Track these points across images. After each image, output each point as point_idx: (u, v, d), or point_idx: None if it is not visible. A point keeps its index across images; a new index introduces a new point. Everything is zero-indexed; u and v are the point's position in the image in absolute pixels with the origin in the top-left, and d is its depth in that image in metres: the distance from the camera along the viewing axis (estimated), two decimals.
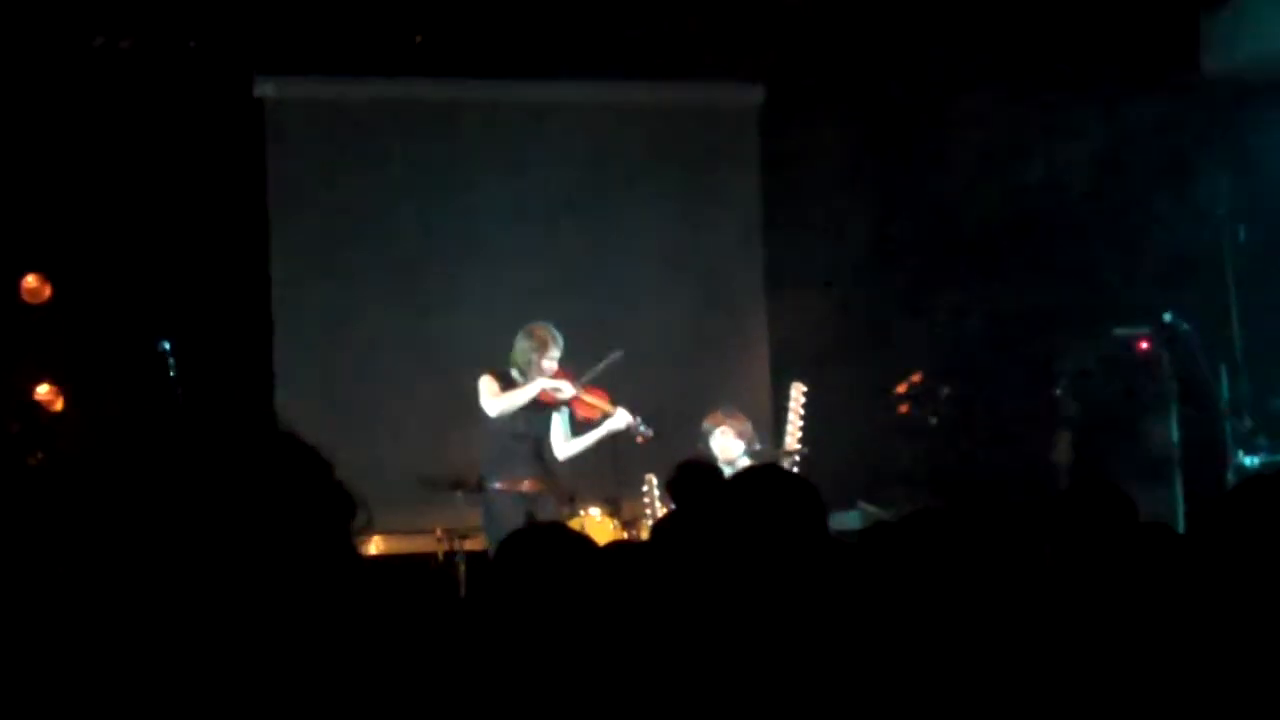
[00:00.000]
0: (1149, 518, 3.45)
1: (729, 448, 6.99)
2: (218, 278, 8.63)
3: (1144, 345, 8.11)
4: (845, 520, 8.35)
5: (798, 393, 6.98)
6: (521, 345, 7.19)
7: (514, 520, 6.87)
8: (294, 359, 8.97)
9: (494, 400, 7.14)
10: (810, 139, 9.00)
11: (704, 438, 7.03)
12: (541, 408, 7.21)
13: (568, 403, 7.22)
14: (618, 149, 9.23)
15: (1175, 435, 7.89)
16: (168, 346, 7.14)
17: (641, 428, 7.22)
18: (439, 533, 7.78)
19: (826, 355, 8.69)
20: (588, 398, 7.24)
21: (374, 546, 7.93)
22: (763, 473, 2.90)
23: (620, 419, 7.23)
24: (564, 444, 7.36)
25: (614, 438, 7.29)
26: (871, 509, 7.90)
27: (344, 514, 1.66)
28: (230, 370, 8.35)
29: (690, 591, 2.52)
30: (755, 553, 2.55)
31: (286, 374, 8.92)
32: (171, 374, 6.95)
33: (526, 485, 7.15)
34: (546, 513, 7.11)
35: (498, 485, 7.13)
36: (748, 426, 7.06)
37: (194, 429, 1.62)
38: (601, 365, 7.18)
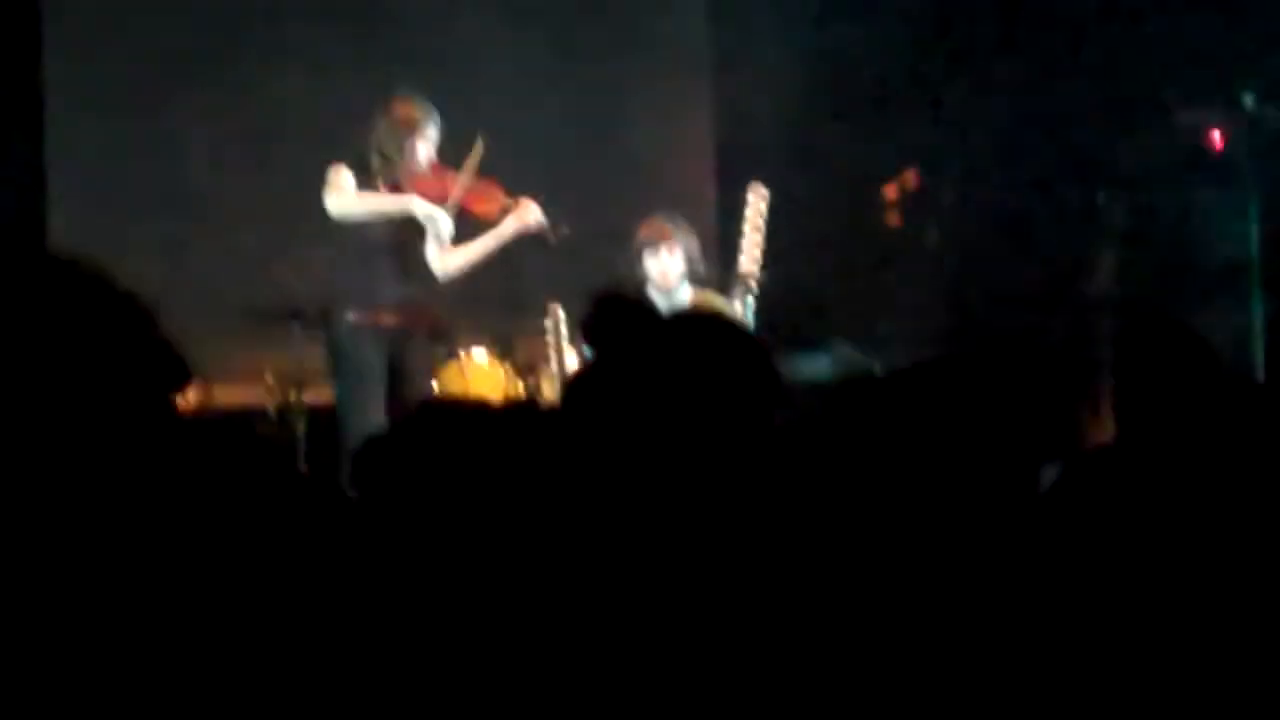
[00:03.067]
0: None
1: (670, 270, 7.01)
2: None
3: (1216, 136, 8.19)
4: (814, 365, 8.47)
5: (757, 199, 6.95)
6: (382, 126, 7.10)
7: (371, 365, 6.88)
8: (68, 145, 8.87)
9: (339, 198, 7.01)
10: None
11: (636, 255, 7.03)
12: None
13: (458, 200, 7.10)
14: None
15: (1254, 246, 7.99)
16: None
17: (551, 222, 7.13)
18: (269, 379, 7.81)
19: (794, 146, 8.68)
20: (480, 188, 7.15)
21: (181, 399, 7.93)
22: (709, 326, 2.84)
23: (530, 212, 7.15)
24: (447, 253, 7.29)
25: (510, 244, 7.21)
26: (850, 353, 7.98)
27: (168, 384, 1.66)
28: None
29: (621, 487, 2.52)
30: (700, 437, 2.54)
31: (58, 166, 8.82)
32: None
33: (389, 317, 7.13)
34: (414, 356, 7.09)
35: (350, 317, 7.09)
36: (695, 243, 7.08)
37: None
38: (472, 157, 7.07)
